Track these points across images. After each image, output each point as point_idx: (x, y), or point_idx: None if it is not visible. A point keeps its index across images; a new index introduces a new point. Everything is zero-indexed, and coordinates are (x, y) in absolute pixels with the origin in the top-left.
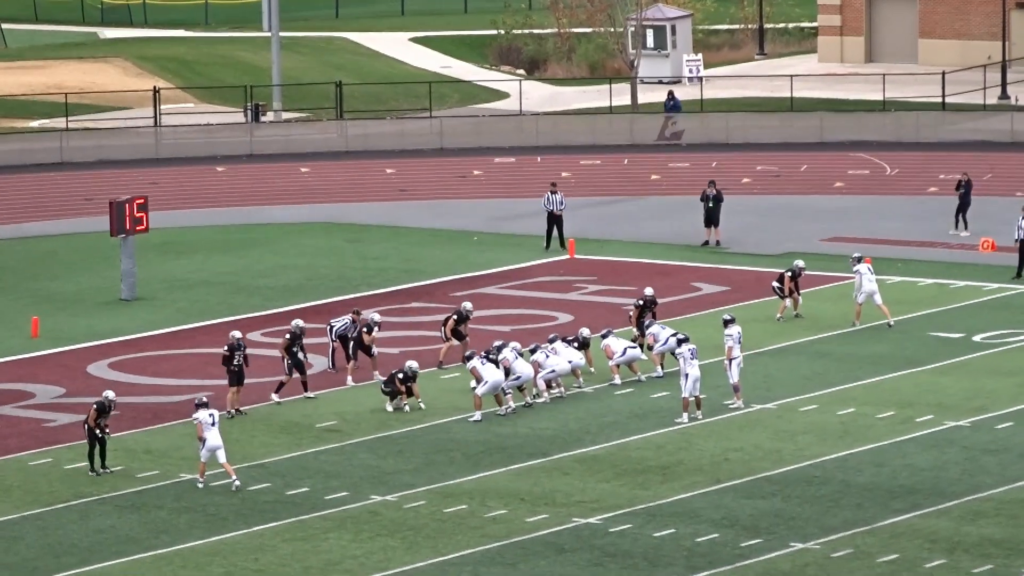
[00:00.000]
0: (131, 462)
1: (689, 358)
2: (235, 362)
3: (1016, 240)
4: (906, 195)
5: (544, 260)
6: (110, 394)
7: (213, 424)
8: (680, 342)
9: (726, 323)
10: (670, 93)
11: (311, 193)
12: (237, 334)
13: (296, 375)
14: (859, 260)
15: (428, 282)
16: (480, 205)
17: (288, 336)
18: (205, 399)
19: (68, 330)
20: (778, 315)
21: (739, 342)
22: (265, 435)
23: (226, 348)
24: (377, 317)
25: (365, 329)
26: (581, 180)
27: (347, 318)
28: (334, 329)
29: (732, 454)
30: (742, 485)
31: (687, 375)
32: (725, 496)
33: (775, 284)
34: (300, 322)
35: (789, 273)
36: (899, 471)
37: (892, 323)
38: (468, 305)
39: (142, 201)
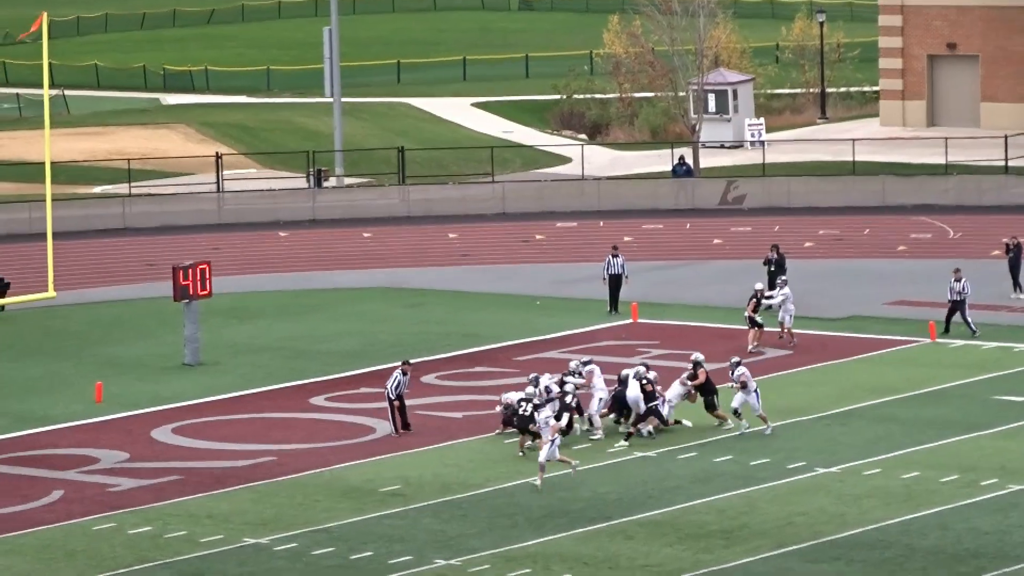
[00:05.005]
0: (194, 527)
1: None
2: (521, 411)
3: (949, 300)
4: (969, 258)
5: (607, 324)
6: None
7: None
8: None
9: (736, 365)
10: (681, 158)
11: (373, 258)
12: (532, 389)
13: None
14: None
15: (490, 347)
16: (542, 269)
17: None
18: None
19: (132, 395)
20: (751, 346)
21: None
22: (328, 500)
23: (506, 409)
24: (574, 365)
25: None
26: (643, 244)
27: (397, 374)
28: (389, 389)
29: (796, 518)
30: (806, 549)
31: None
32: (789, 560)
33: (753, 316)
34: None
35: (754, 300)
36: (963, 535)
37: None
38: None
39: (205, 266)
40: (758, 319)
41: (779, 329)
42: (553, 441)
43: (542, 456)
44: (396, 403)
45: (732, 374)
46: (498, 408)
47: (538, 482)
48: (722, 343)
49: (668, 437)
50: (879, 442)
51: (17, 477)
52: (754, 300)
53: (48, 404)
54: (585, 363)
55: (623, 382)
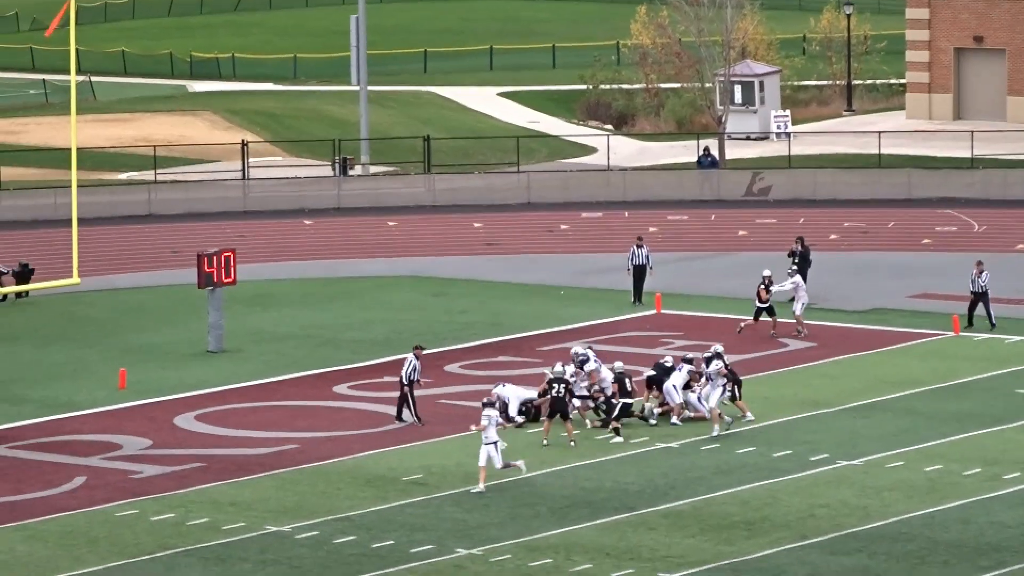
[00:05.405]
0: (216, 514)
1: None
2: (555, 392)
3: (971, 292)
4: (993, 252)
5: (631, 315)
6: None
7: None
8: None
9: (709, 360)
10: (706, 149)
11: (398, 247)
12: (560, 367)
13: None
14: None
15: (514, 336)
16: (567, 259)
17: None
18: None
19: (155, 382)
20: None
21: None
22: (351, 488)
23: (547, 382)
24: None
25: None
26: (668, 235)
27: (411, 359)
28: (404, 375)
29: (818, 510)
30: (827, 541)
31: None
32: (810, 552)
33: (761, 304)
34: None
35: (762, 287)
36: (986, 528)
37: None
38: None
39: (230, 254)
40: (765, 305)
41: (794, 321)
42: (496, 443)
43: (497, 464)
44: (408, 388)
45: (707, 367)
46: (473, 427)
47: (522, 468)
48: (747, 334)
49: (691, 428)
50: (902, 435)
51: (40, 463)
52: (762, 286)
53: (71, 390)
54: (583, 361)
55: (664, 370)
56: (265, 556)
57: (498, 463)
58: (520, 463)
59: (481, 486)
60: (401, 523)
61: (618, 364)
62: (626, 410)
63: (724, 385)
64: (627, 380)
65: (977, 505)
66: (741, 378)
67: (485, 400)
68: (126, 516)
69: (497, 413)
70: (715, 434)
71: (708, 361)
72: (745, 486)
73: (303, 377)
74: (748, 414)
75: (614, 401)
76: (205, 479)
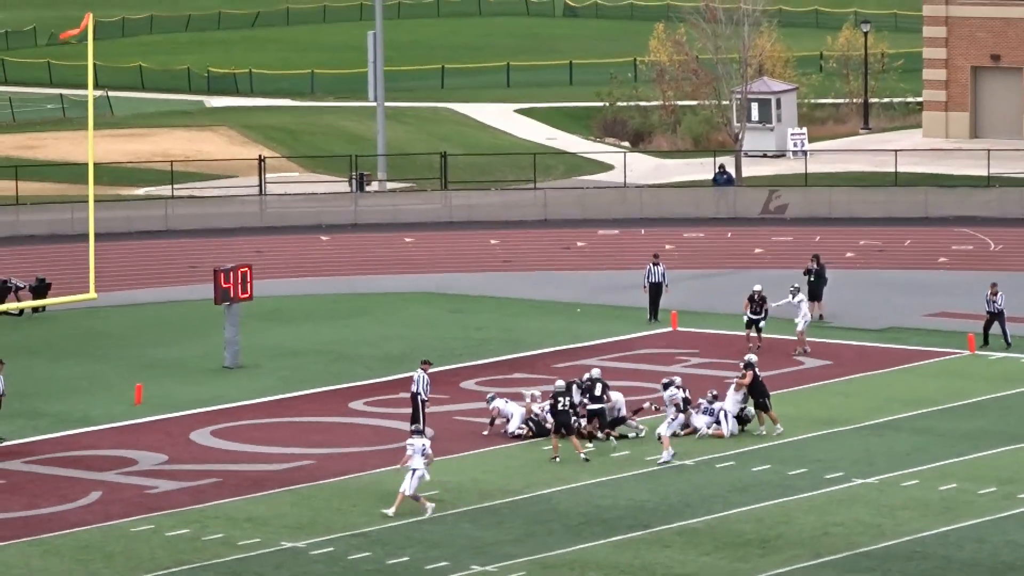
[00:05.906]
0: (232, 530)
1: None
2: (559, 407)
3: (987, 312)
4: (1010, 271)
5: (647, 332)
6: None
7: None
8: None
9: (666, 386)
10: (721, 166)
11: (415, 263)
12: (561, 383)
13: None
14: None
15: (530, 353)
16: (583, 277)
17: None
18: None
19: (171, 397)
20: (758, 344)
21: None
22: (366, 504)
23: (552, 397)
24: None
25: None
26: (684, 253)
27: (422, 374)
28: (421, 390)
29: (832, 528)
30: (842, 560)
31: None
32: (824, 571)
33: (751, 316)
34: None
35: (748, 301)
36: (1001, 547)
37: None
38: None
39: (246, 269)
40: (751, 317)
41: (795, 339)
42: (415, 471)
43: (407, 487)
44: (423, 403)
45: (664, 392)
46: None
47: (427, 510)
48: (762, 353)
49: (706, 446)
50: (917, 453)
51: (56, 478)
52: (747, 301)
53: (88, 405)
54: (589, 384)
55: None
56: (280, 572)
57: (409, 489)
58: (430, 505)
59: (392, 510)
60: (417, 539)
61: (595, 371)
62: (598, 416)
63: (675, 415)
64: (599, 385)
65: (992, 524)
66: (769, 391)
67: (413, 428)
68: (142, 531)
69: (425, 442)
70: (663, 460)
71: (665, 387)
72: (760, 504)
73: (319, 393)
74: (771, 426)
75: (631, 421)
76: (221, 494)
